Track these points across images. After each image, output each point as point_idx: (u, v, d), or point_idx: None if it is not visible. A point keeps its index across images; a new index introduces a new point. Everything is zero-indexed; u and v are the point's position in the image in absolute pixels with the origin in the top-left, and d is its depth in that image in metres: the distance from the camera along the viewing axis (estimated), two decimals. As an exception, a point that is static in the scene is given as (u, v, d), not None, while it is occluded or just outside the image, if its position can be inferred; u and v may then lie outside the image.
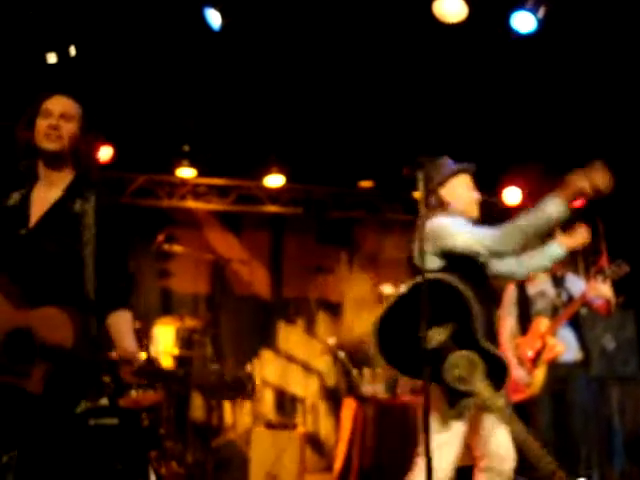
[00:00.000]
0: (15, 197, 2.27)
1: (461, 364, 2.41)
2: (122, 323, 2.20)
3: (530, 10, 4.01)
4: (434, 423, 2.43)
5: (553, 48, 4.41)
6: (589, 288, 3.77)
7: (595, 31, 4.26)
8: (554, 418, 3.72)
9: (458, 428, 2.52)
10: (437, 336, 2.42)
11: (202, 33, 4.21)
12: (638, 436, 3.49)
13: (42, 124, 2.27)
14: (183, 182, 6.05)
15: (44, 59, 4.27)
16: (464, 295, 2.46)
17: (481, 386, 2.40)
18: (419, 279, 2.40)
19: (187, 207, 6.16)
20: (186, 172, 5.85)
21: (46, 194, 2.26)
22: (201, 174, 5.94)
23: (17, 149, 2.32)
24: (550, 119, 5.18)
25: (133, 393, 4.15)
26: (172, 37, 4.41)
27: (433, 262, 2.58)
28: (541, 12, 3.98)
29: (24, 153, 2.32)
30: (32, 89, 2.46)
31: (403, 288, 2.54)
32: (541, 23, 4.02)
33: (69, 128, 2.27)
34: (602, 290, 3.74)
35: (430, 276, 2.42)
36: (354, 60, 4.67)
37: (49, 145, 2.25)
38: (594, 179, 2.40)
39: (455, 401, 2.47)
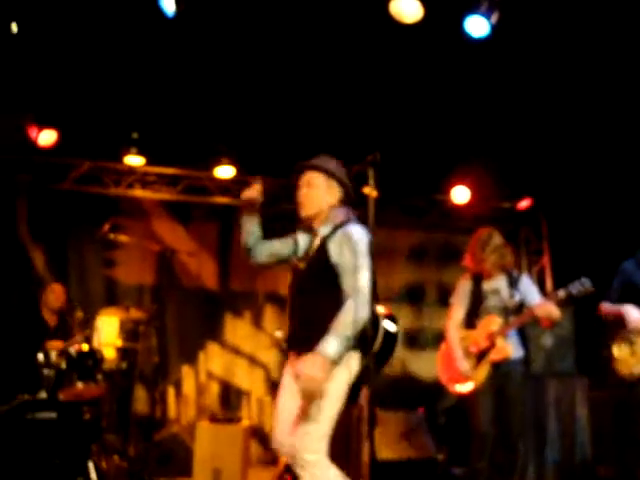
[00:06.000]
0: None
1: None
2: None
3: (484, 15, 4.07)
4: None
5: (505, 52, 4.51)
6: (540, 308, 3.70)
7: (545, 37, 4.38)
8: (494, 412, 3.78)
9: None
10: None
11: (155, 19, 4.12)
12: (572, 429, 3.55)
13: None
14: (131, 170, 5.92)
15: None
16: None
17: None
18: None
19: (134, 196, 6.02)
20: (134, 160, 5.72)
21: None
22: (150, 162, 5.82)
23: None
24: (499, 120, 5.31)
25: (79, 385, 4.06)
26: (124, 21, 4.30)
27: None
28: (494, 18, 4.04)
29: None
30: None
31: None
32: (494, 28, 4.08)
33: None
34: (552, 313, 3.70)
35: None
36: (306, 54, 4.66)
37: None
38: None
39: None
